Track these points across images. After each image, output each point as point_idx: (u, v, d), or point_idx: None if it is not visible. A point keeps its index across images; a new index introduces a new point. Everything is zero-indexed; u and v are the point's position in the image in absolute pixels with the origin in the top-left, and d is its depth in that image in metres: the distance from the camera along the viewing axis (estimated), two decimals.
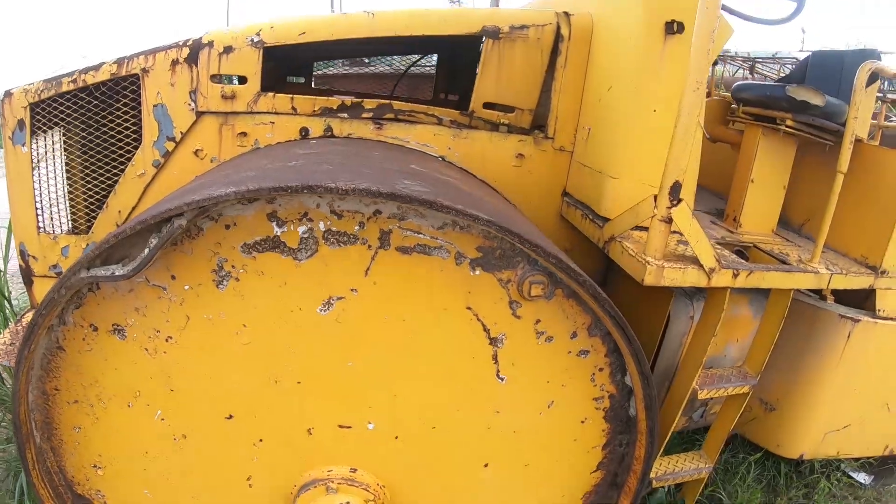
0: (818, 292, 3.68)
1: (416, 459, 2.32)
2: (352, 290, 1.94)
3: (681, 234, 2.50)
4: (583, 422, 2.41)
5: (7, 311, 3.71)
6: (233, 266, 1.92)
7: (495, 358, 2.13)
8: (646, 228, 2.53)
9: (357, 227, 1.88)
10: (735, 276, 2.47)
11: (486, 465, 2.39)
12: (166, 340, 2.05)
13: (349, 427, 2.19)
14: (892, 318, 3.62)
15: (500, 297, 2.02)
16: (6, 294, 3.75)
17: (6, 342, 2.80)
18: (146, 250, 1.84)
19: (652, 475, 2.81)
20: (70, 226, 2.85)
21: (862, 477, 4.52)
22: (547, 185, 2.88)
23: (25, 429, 2.25)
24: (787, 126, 2.98)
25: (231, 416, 2.17)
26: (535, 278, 1.98)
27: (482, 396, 2.19)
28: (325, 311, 1.97)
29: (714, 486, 3.66)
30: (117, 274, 1.89)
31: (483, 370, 2.14)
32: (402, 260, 1.92)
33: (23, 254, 2.81)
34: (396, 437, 2.24)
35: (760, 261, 2.86)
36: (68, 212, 2.83)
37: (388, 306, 1.97)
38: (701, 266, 2.34)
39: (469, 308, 2.01)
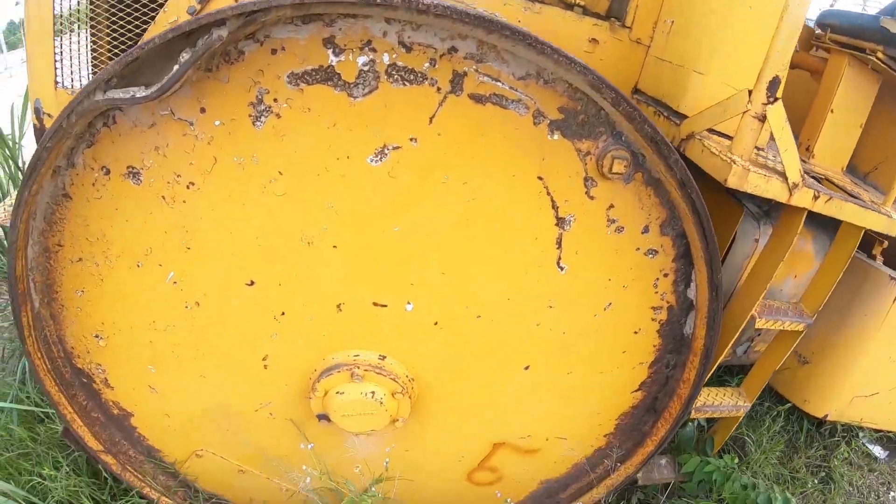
0: (868, 252, 3.54)
1: (452, 352, 2.15)
2: (411, 139, 1.71)
3: (758, 149, 2.29)
4: (636, 332, 2.26)
5: (19, 180, 3.49)
6: (275, 99, 1.69)
7: (559, 242, 1.92)
8: (723, 134, 2.31)
9: (427, 65, 1.65)
10: (815, 198, 2.27)
11: (526, 368, 2.23)
12: (187, 187, 1.83)
13: (384, 306, 2.00)
14: None
15: (575, 171, 1.81)
16: (19, 164, 3.50)
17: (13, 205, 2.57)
18: (176, 66, 1.58)
19: (697, 403, 2.64)
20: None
21: (878, 450, 4.54)
22: (617, 77, 2.63)
23: (22, 287, 2.03)
24: (877, 58, 2.76)
25: (252, 283, 1.97)
26: (619, 153, 1.78)
27: (538, 286, 2.02)
28: (376, 161, 1.74)
29: (739, 429, 3.57)
30: (138, 96, 1.65)
31: (544, 255, 1.94)
32: (474, 110, 1.70)
33: (38, 111, 2.55)
34: (436, 324, 2.06)
35: None
36: (90, 65, 2.55)
37: (449, 164, 1.75)
38: (785, 179, 2.13)
39: (540, 178, 1.80)
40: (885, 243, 3.59)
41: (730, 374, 3.95)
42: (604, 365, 2.30)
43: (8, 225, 2.51)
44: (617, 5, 2.56)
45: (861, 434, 4.38)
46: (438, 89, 1.68)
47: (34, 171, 1.82)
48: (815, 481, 3.89)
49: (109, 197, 1.91)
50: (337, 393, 2.09)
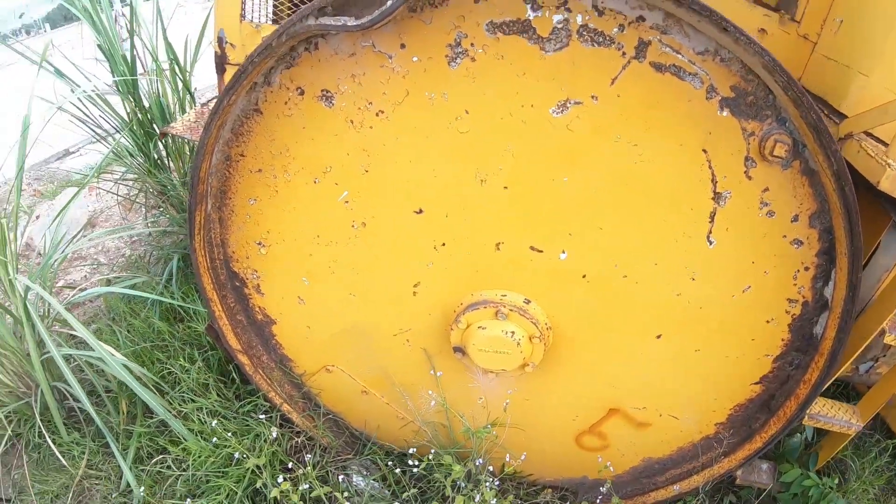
0: None
1: (593, 307, 2.41)
2: (592, 96, 1.99)
3: None
4: (768, 322, 2.44)
5: (187, 102, 4.01)
6: (472, 44, 1.99)
7: (713, 216, 2.15)
8: (881, 140, 2.48)
9: (616, 30, 1.92)
10: None
11: (658, 337, 2.46)
12: (377, 114, 2.16)
13: (540, 251, 2.28)
14: None
15: (738, 149, 2.03)
16: (190, 88, 4.03)
17: (190, 120, 3.01)
18: (389, 2, 1.91)
19: (810, 410, 2.82)
20: (273, 18, 2.98)
21: None
22: None
23: (202, 188, 2.42)
24: None
25: (421, 211, 2.29)
26: (781, 137, 1.99)
27: (685, 255, 2.24)
28: (558, 113, 2.02)
29: (844, 452, 3.64)
30: (349, 24, 1.97)
31: (696, 226, 2.18)
32: (653, 77, 1.95)
33: (220, 41, 2.96)
34: (584, 276, 2.32)
35: None
36: (271, 2, 2.95)
37: (623, 125, 2.02)
38: None
39: (705, 151, 2.04)
40: None
41: (846, 397, 4.06)
42: (731, 349, 2.50)
43: (185, 136, 2.97)
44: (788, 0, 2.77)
45: None
46: (623, 54, 1.92)
47: (237, 82, 2.18)
48: None
49: (299, 116, 2.27)
50: (479, 327, 2.39)
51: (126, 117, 3.79)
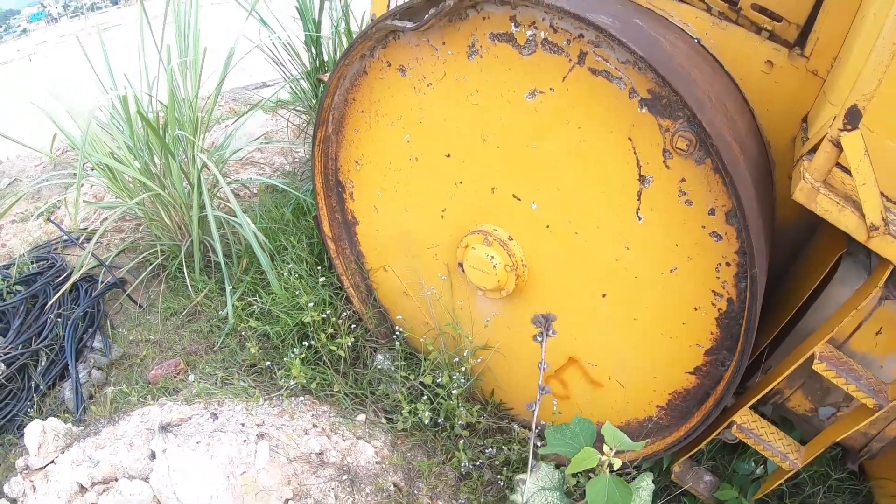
0: None
1: (555, 256, 3.51)
2: (551, 88, 3.14)
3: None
4: (696, 309, 3.24)
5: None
6: (481, 46, 3.27)
7: (639, 196, 3.16)
8: (846, 170, 2.83)
9: (565, 42, 3.03)
10: None
11: (603, 296, 3.48)
12: (428, 85, 3.54)
13: (519, 199, 3.48)
14: None
15: (656, 142, 3.02)
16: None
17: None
18: (425, 16, 3.30)
19: (736, 419, 3.42)
20: None
21: None
22: (789, 103, 3.43)
23: (325, 115, 4.01)
24: None
25: (449, 155, 3.62)
26: (685, 133, 2.88)
27: (619, 226, 3.24)
28: (530, 98, 3.22)
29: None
30: (407, 27, 3.40)
31: (627, 201, 3.17)
32: (590, 78, 3.02)
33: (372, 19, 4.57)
34: (548, 227, 3.46)
35: None
36: None
37: (572, 111, 3.12)
38: (862, 216, 2.70)
39: (630, 139, 3.06)
40: None
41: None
42: (665, 327, 3.34)
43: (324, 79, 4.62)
44: (803, 35, 3.33)
45: None
46: (570, 60, 2.99)
47: (348, 53, 3.65)
48: None
49: (387, 80, 3.72)
50: (472, 248, 3.63)
51: (307, 65, 5.69)
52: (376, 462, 3.83)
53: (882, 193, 2.84)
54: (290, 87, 6.04)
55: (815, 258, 3.51)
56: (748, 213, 2.85)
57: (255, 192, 5.89)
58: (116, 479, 3.57)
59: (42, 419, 3.93)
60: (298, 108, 6.32)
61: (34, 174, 6.81)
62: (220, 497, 3.37)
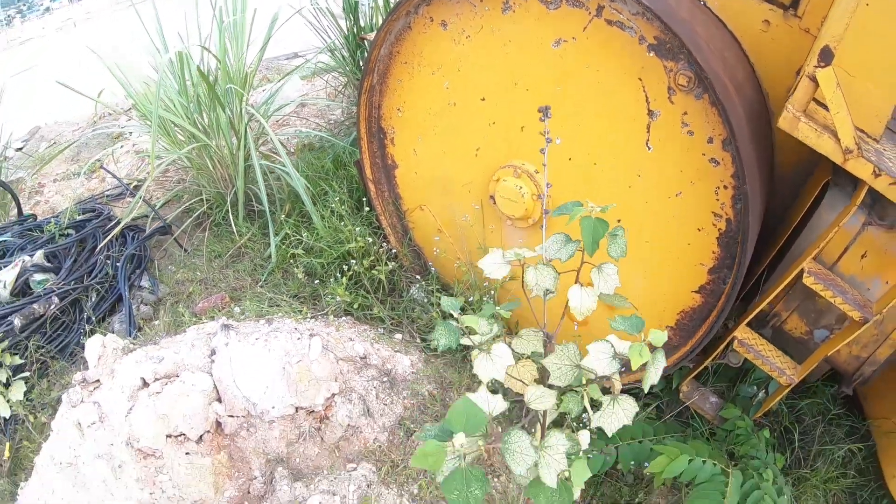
0: None
1: (577, 184, 4.24)
2: (573, 38, 3.88)
3: (870, 137, 3.52)
4: (699, 230, 3.95)
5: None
6: (514, 2, 3.99)
7: (648, 128, 3.90)
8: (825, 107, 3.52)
9: None
10: (876, 175, 3.29)
11: (619, 221, 4.17)
12: (466, 37, 4.30)
13: (543, 135, 4.28)
14: None
15: (662, 80, 3.74)
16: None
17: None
18: None
19: (737, 335, 4.08)
20: None
21: None
22: (785, 58, 4.08)
23: (371, 65, 4.78)
24: None
25: (484, 99, 4.36)
26: (686, 72, 3.60)
27: (632, 156, 3.97)
28: (556, 46, 3.97)
29: (811, 443, 4.74)
30: None
31: (637, 133, 3.90)
32: (607, 28, 3.72)
33: None
34: (570, 159, 4.21)
35: None
36: None
37: (592, 57, 3.84)
38: (838, 140, 3.28)
39: (640, 79, 3.80)
40: None
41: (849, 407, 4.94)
42: (672, 247, 4.03)
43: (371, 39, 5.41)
44: None
45: None
46: (589, 12, 3.70)
47: (395, 10, 4.39)
48: None
49: (430, 33, 4.45)
50: (503, 180, 4.37)
51: (346, 30, 6.51)
52: (412, 372, 4.56)
53: (857, 127, 3.53)
54: (329, 53, 6.86)
55: (807, 191, 4.17)
56: (739, 138, 3.56)
57: (293, 151, 6.68)
58: (178, 376, 4.26)
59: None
60: (336, 74, 7.14)
61: (72, 138, 7.56)
62: (276, 384, 4.09)
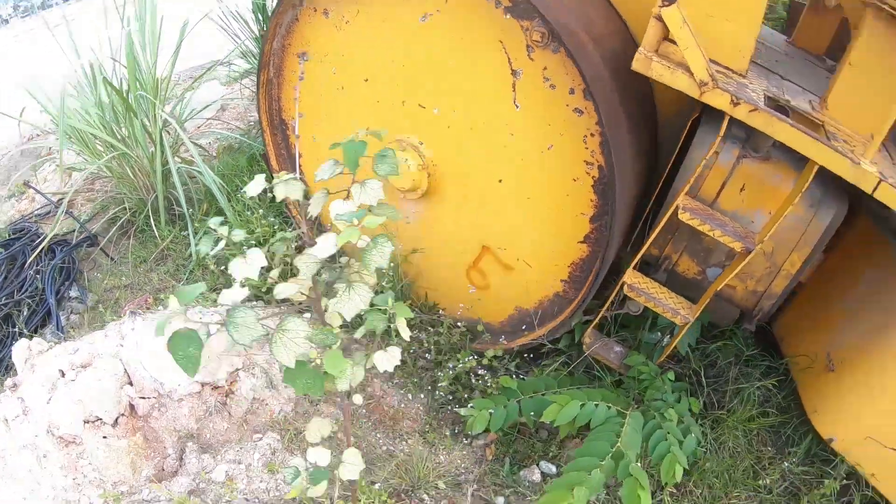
0: None
1: (458, 153, 4.47)
2: (437, 10, 4.11)
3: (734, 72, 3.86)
4: (574, 180, 4.20)
5: None
6: None
7: (514, 87, 4.12)
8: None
9: None
10: (734, 104, 3.50)
11: (500, 181, 4.44)
12: (346, 22, 4.52)
13: (423, 107, 4.49)
14: None
15: (520, 40, 3.95)
16: None
17: None
18: None
19: (626, 279, 4.24)
20: None
21: None
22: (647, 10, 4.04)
23: (265, 59, 5.02)
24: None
25: (367, 80, 4.60)
26: (539, 28, 3.84)
27: (503, 115, 4.21)
28: (423, 20, 4.19)
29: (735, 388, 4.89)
30: None
31: (505, 92, 4.14)
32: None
33: None
34: (448, 127, 4.44)
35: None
36: None
37: (454, 25, 4.09)
38: (692, 75, 3.49)
39: (500, 42, 4.02)
40: None
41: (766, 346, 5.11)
42: (553, 201, 4.28)
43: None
44: None
45: None
46: None
47: (282, 1, 4.74)
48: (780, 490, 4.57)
49: (315, 23, 4.68)
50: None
51: (256, 32, 6.76)
52: None
53: (723, 64, 3.85)
54: (242, 57, 7.09)
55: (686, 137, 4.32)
56: (594, 85, 3.82)
57: (215, 154, 6.91)
58: (92, 364, 4.44)
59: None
60: (253, 76, 7.37)
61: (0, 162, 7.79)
62: None
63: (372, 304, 2.57)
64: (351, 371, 2.57)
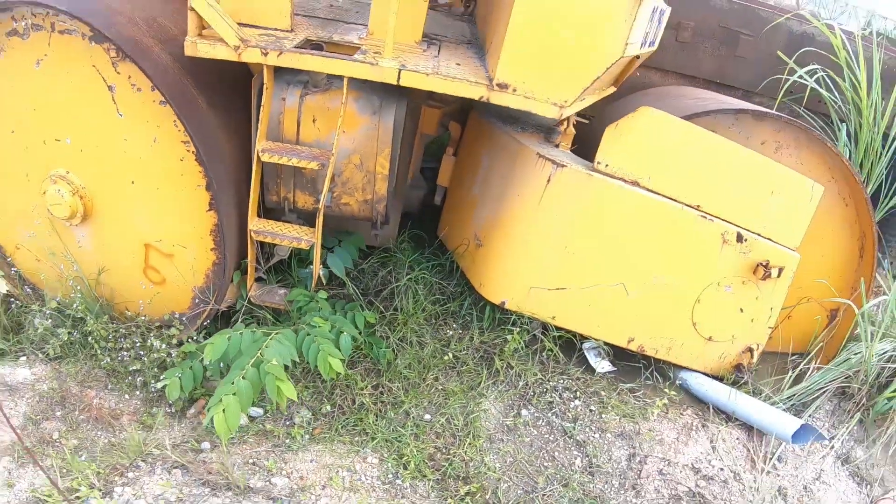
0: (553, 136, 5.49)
1: (97, 167, 5.33)
2: (45, 55, 5.06)
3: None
4: (181, 160, 5.19)
5: None
6: (2, 44, 5.40)
7: (114, 99, 5.12)
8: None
9: (42, 21, 5.08)
10: (264, 54, 4.47)
11: (132, 182, 5.37)
12: None
13: (59, 140, 5.35)
14: (612, 176, 5.05)
15: (106, 60, 5.00)
16: None
17: None
18: None
19: (250, 227, 5.04)
20: None
21: (602, 364, 5.71)
22: None
23: None
24: None
25: (13, 131, 5.40)
26: (112, 46, 4.99)
27: (114, 126, 5.12)
28: (37, 66, 5.13)
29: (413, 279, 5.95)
30: None
31: (109, 107, 5.12)
32: (62, 38, 4.92)
33: None
34: (82, 150, 5.32)
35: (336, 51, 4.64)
36: None
37: (61, 64, 5.03)
38: (227, 44, 4.38)
39: (94, 66, 5.06)
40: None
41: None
42: (175, 183, 5.12)
43: None
44: None
45: (585, 342, 5.76)
46: (48, 31, 4.88)
47: None
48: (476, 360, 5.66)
49: None
50: (45, 192, 5.40)
51: None
52: (34, 378, 5.51)
53: (271, 27, 4.97)
54: None
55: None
56: (157, 79, 4.94)
57: None
58: None
59: None
60: None
61: None
62: None
63: None
64: None
